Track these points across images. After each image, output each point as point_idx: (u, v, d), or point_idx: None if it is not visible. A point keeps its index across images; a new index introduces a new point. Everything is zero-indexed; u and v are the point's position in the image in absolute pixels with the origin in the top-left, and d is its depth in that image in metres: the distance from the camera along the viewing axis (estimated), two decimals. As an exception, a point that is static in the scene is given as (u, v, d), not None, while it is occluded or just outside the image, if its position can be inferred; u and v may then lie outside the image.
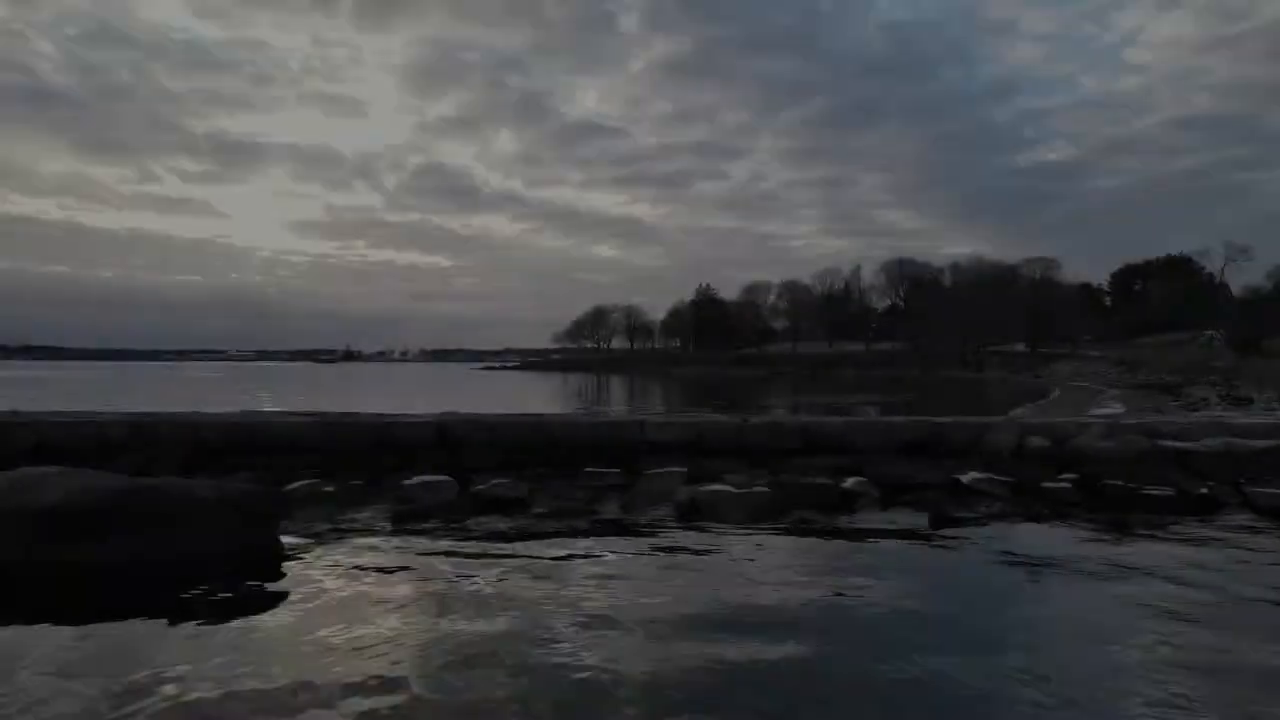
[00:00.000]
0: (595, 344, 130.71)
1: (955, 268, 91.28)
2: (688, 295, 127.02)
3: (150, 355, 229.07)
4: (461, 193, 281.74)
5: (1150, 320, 75.71)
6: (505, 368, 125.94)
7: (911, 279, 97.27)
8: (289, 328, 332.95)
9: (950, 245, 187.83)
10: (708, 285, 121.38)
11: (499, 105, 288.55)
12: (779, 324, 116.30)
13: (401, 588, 4.86)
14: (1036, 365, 61.15)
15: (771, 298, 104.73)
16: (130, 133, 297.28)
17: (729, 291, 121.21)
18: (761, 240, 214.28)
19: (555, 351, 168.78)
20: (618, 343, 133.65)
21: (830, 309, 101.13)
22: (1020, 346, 72.65)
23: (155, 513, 5.38)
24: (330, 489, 7.29)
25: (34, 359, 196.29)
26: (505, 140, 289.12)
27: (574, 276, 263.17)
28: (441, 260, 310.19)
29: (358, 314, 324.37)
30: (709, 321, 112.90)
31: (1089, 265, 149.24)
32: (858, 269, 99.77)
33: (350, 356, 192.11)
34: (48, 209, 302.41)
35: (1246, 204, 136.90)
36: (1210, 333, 54.84)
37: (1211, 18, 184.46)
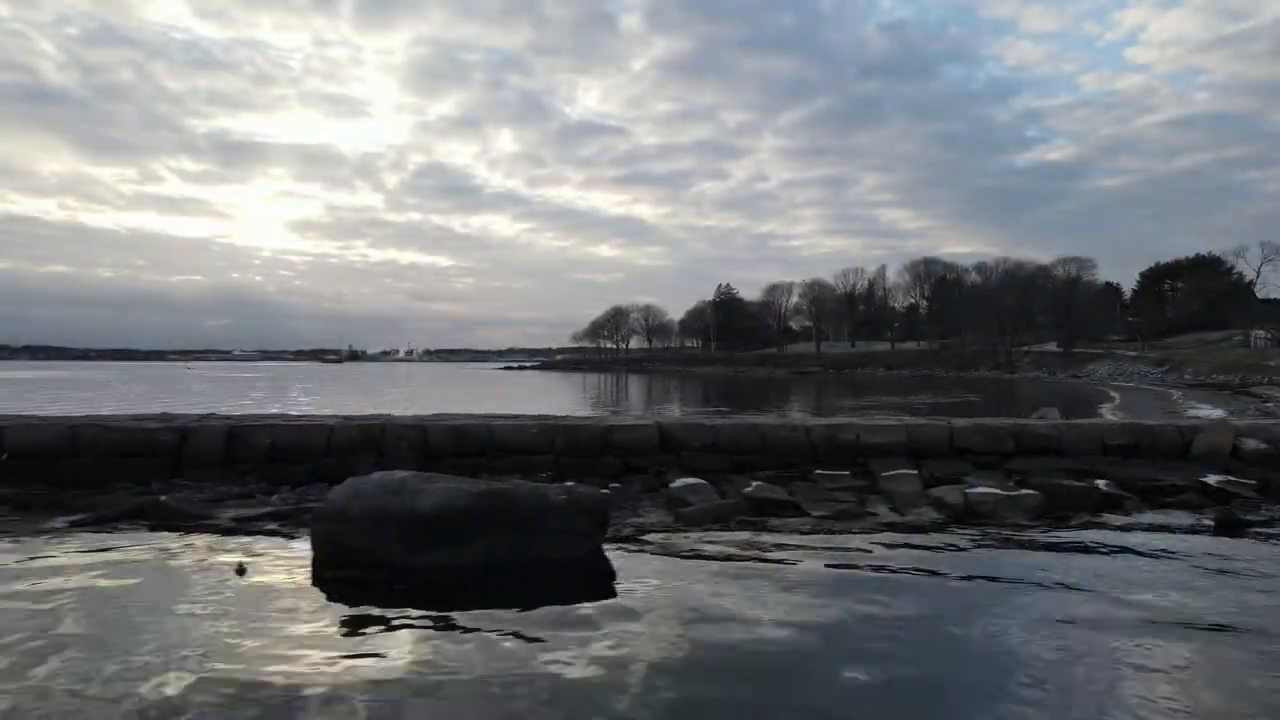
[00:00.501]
0: (614, 344, 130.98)
1: (981, 267, 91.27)
2: (691, 295, 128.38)
3: (155, 355, 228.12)
4: (462, 192, 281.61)
5: (1178, 320, 75.62)
6: (524, 368, 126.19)
7: (936, 279, 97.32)
8: (289, 328, 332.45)
9: (950, 245, 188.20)
10: (727, 285, 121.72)
11: (500, 105, 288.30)
12: (798, 324, 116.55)
13: (801, 585, 4.90)
14: (1072, 365, 61.06)
15: (794, 298, 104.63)
16: (131, 132, 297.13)
17: (746, 292, 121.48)
18: (762, 240, 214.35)
19: (560, 352, 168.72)
20: (633, 342, 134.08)
21: (853, 309, 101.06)
22: (1051, 346, 72.55)
23: (515, 516, 5.48)
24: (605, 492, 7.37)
25: (35, 359, 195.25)
26: (506, 140, 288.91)
27: (575, 276, 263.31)
28: (442, 260, 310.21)
29: (358, 314, 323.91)
30: (729, 321, 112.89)
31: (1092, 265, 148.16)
32: (883, 269, 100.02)
33: (354, 356, 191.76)
34: (49, 209, 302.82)
35: (1247, 203, 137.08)
36: (1258, 332, 54.67)
37: (1213, 16, 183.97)
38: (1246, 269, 75.57)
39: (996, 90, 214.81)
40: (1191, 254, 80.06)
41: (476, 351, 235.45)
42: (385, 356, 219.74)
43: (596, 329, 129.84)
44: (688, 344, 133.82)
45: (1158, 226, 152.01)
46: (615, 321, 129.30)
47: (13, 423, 8.65)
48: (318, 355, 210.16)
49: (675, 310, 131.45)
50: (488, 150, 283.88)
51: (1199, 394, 30.44)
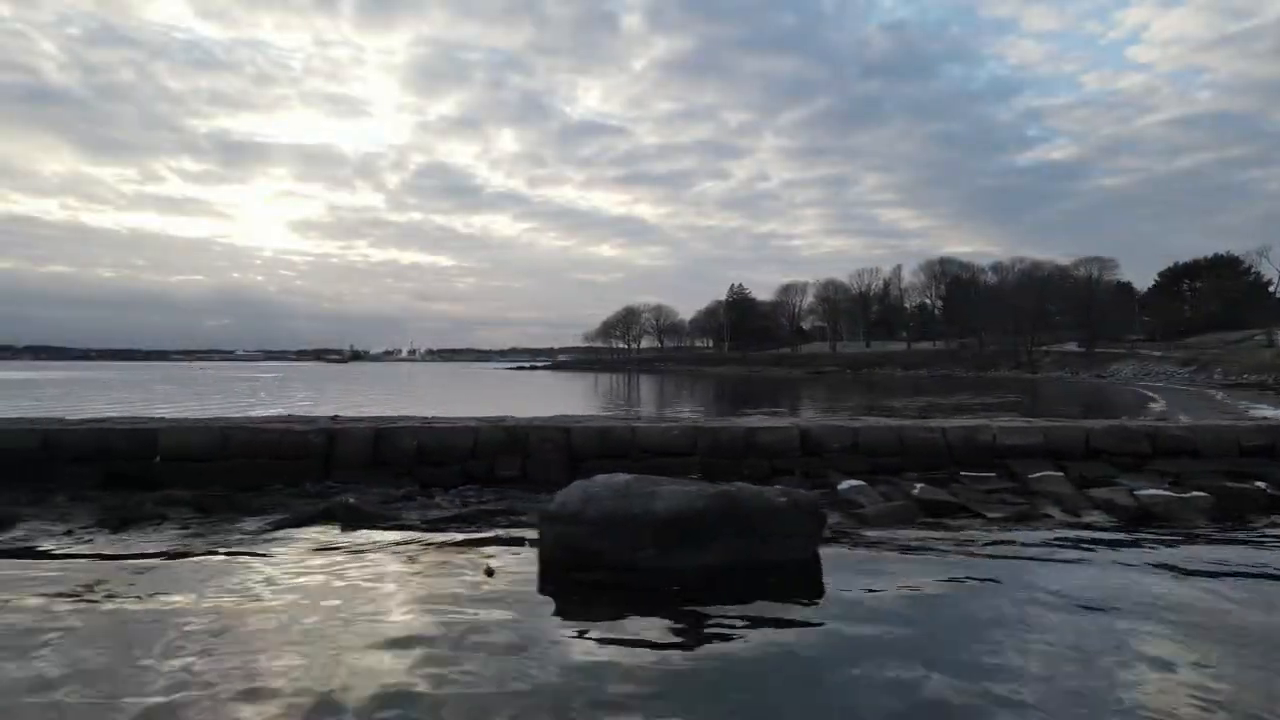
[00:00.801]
0: (625, 344, 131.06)
1: (997, 267, 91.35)
2: (692, 295, 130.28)
3: (157, 355, 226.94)
4: (463, 192, 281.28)
5: (1196, 320, 75.50)
6: (535, 368, 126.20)
7: (951, 279, 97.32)
8: (290, 328, 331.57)
9: (951, 245, 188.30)
10: (740, 286, 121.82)
11: (500, 105, 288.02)
12: (810, 324, 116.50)
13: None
14: (1094, 365, 61.01)
15: (809, 298, 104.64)
16: (132, 133, 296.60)
17: (753, 292, 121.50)
18: (763, 239, 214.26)
19: (564, 351, 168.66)
20: (643, 342, 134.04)
21: (867, 309, 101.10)
22: (1071, 346, 72.50)
23: (744, 519, 5.54)
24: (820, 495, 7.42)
25: (38, 359, 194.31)
26: (507, 140, 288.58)
27: (576, 276, 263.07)
28: (443, 260, 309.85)
29: (358, 314, 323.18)
30: (742, 321, 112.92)
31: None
32: (898, 269, 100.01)
33: (356, 356, 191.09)
34: (49, 209, 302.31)
35: (1248, 203, 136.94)
36: (1281, 333, 54.60)
37: (1215, 15, 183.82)
38: (1269, 269, 75.57)
39: (997, 90, 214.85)
40: (1209, 254, 79.98)
41: (478, 351, 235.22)
42: (388, 356, 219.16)
43: (608, 329, 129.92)
44: (697, 344, 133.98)
45: (1158, 226, 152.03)
46: (627, 321, 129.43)
47: (166, 426, 8.74)
48: (320, 355, 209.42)
49: (683, 310, 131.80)
50: (489, 150, 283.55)
51: (1241, 394, 30.42)
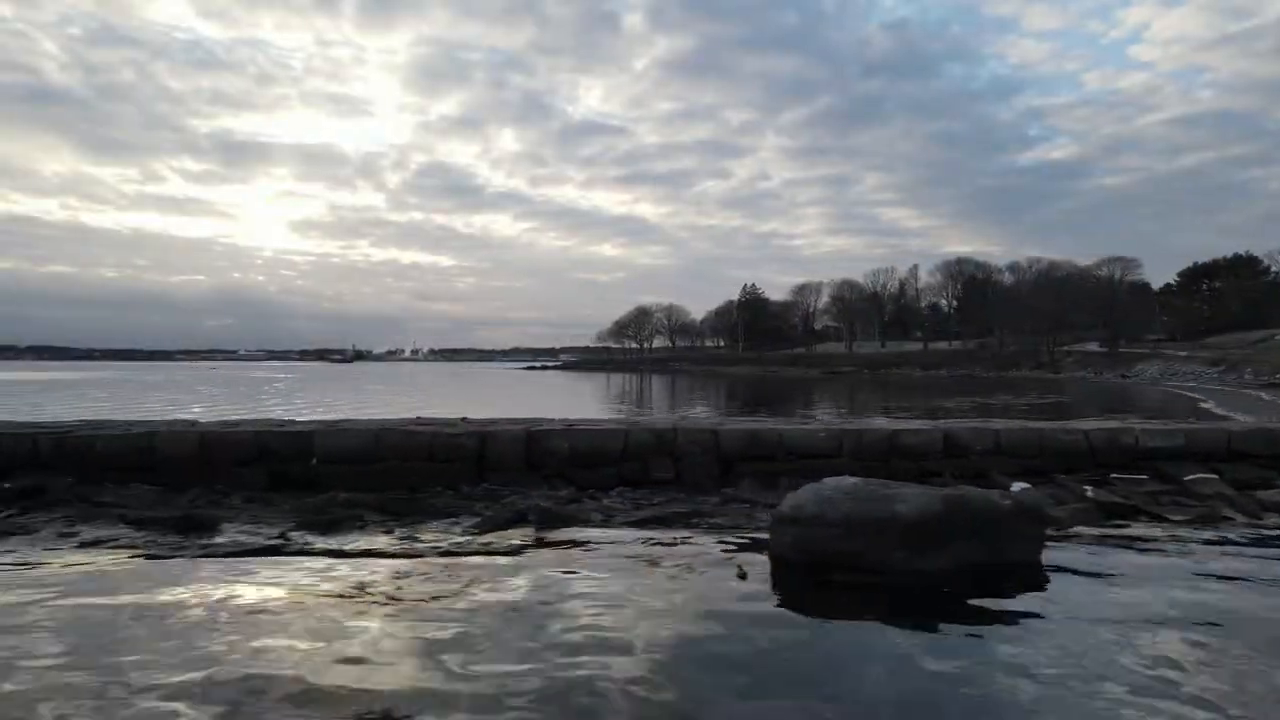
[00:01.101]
0: (637, 344, 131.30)
1: (1014, 267, 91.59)
2: (693, 294, 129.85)
3: (160, 355, 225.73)
4: (464, 192, 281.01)
5: (1216, 319, 75.48)
6: (546, 367, 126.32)
7: (967, 279, 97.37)
8: (290, 327, 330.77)
9: (951, 244, 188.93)
10: (753, 286, 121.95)
11: (502, 104, 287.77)
12: (822, 324, 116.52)
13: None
14: (1118, 364, 61.01)
15: (825, 298, 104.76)
16: (133, 133, 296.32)
17: (769, 292, 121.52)
18: (764, 239, 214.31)
19: (565, 350, 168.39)
20: (655, 342, 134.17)
21: (881, 309, 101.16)
22: (1092, 346, 72.58)
23: (976, 521, 5.58)
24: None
25: (41, 359, 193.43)
26: (508, 139, 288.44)
27: (577, 276, 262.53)
28: (444, 260, 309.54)
29: (359, 314, 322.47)
30: (755, 321, 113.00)
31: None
32: (914, 268, 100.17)
33: (359, 356, 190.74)
34: (50, 209, 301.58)
35: (1249, 202, 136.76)
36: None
37: (1216, 14, 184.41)
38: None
39: (999, 89, 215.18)
40: (1229, 254, 80.00)
41: (480, 351, 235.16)
42: (390, 356, 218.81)
43: (621, 328, 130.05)
44: (708, 344, 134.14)
45: (1160, 226, 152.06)
46: (639, 321, 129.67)
47: (322, 428, 8.80)
48: (322, 355, 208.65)
49: (693, 310, 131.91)
50: (489, 150, 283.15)
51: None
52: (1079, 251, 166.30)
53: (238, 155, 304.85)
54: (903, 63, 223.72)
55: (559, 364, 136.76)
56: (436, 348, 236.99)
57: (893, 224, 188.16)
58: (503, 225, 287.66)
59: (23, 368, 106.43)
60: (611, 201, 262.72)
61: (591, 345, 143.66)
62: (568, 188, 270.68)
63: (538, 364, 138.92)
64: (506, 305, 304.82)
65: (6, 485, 7.57)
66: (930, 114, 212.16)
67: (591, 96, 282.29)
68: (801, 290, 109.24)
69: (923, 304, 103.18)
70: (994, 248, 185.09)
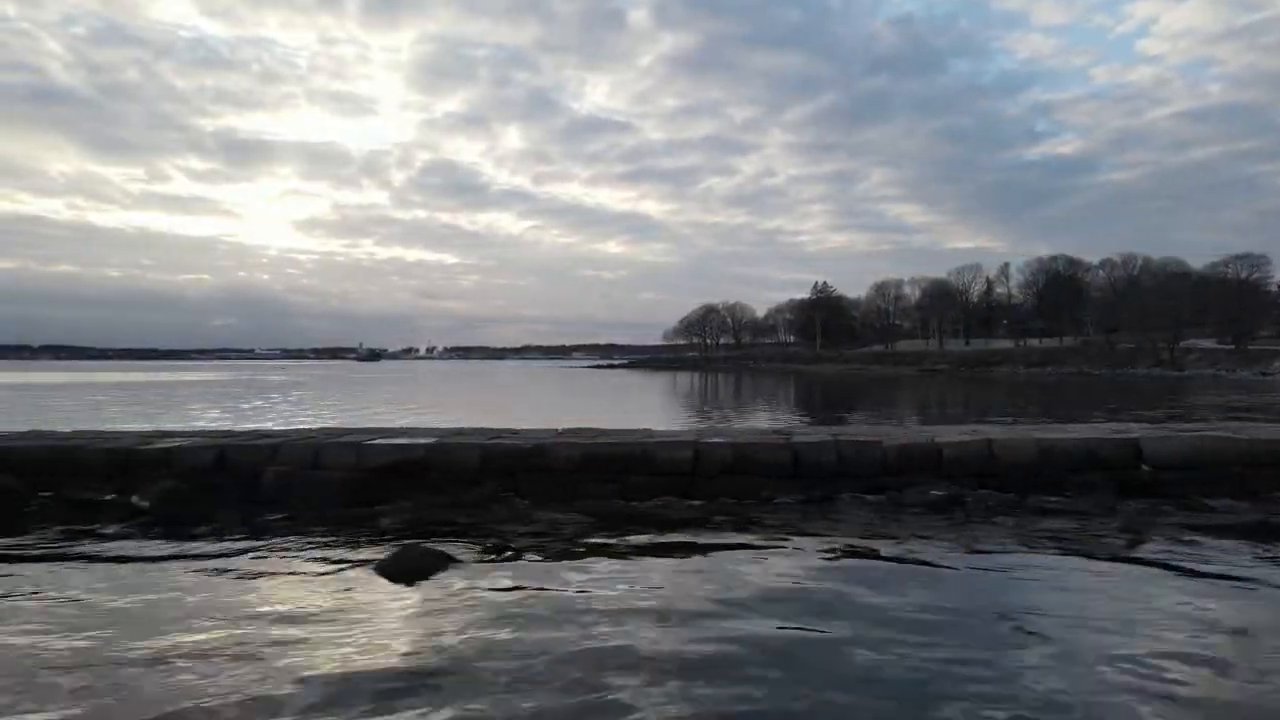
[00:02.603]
0: (705, 343, 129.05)
1: (1108, 264, 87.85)
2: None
3: (177, 355, 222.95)
4: (468, 190, 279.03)
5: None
6: (613, 366, 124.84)
7: (1054, 277, 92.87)
8: (297, 326, 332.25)
9: (957, 240, 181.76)
10: (824, 283, 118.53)
11: (506, 102, 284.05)
12: (896, 321, 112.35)
13: None
14: (1250, 362, 56.12)
15: (916, 293, 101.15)
16: (138, 132, 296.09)
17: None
18: (769, 236, 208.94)
19: (577, 349, 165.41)
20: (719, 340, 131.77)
21: (967, 306, 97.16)
22: (1208, 343, 67.82)
23: None
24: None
25: (58, 359, 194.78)
26: (513, 137, 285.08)
27: (581, 273, 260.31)
28: (448, 258, 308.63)
29: (365, 312, 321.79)
30: (830, 319, 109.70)
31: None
32: (1005, 266, 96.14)
33: (374, 355, 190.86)
34: (56, 208, 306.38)
35: (1257, 197, 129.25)
36: None
37: (1225, 8, 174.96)
38: None
39: (1006, 84, 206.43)
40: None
41: (493, 350, 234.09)
42: (406, 355, 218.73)
43: (689, 327, 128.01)
44: (764, 341, 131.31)
45: (1167, 220, 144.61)
46: (705, 320, 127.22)
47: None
48: (337, 354, 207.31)
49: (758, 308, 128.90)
50: (494, 147, 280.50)
51: None
52: (1087, 247, 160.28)
53: (242, 154, 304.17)
54: (909, 58, 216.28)
55: (625, 362, 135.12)
56: (450, 346, 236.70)
57: (898, 220, 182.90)
58: (507, 223, 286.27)
59: (52, 369, 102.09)
60: (616, 199, 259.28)
61: (687, 344, 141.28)
62: (572, 185, 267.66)
63: (604, 363, 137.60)
64: (511, 303, 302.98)
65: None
66: (937, 110, 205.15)
67: (596, 93, 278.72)
68: (882, 287, 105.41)
69: (1012, 302, 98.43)
70: (999, 244, 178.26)
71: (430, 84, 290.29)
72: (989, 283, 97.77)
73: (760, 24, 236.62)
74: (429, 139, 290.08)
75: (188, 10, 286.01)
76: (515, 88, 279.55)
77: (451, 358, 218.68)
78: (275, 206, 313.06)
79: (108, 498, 7.21)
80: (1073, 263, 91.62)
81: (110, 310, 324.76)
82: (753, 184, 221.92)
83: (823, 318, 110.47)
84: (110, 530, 6.42)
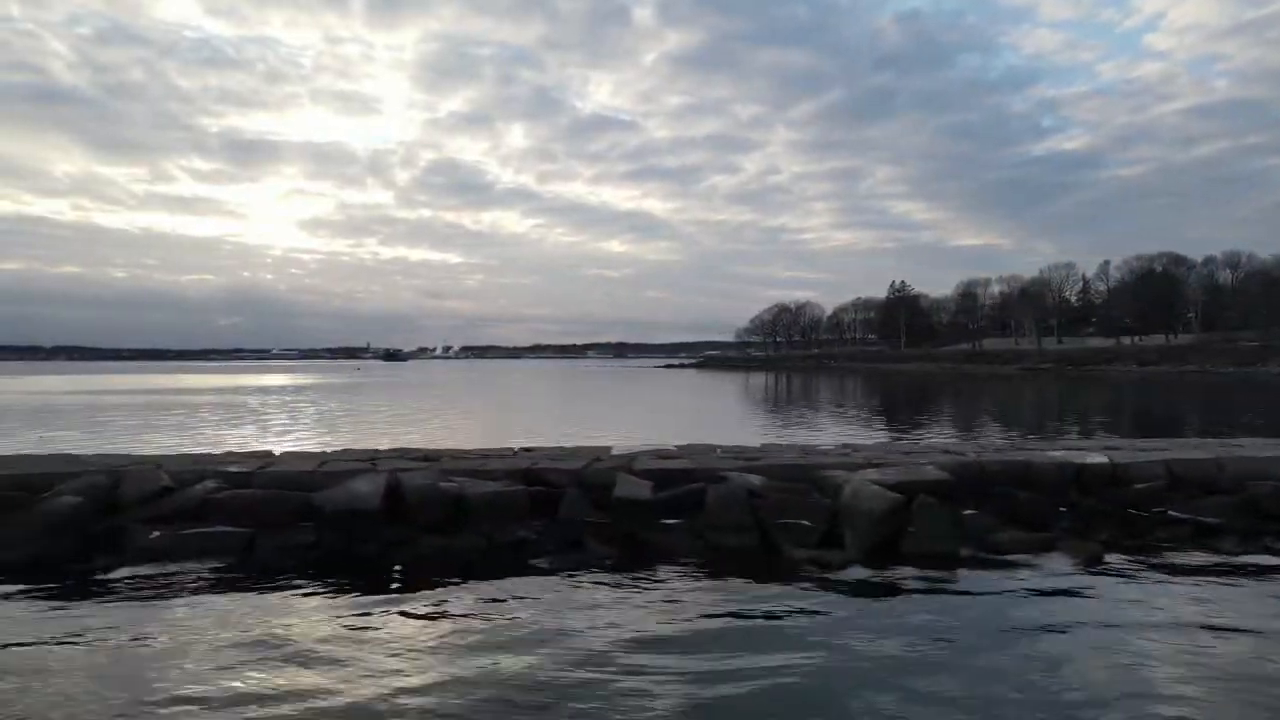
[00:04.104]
0: (774, 342, 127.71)
1: (1211, 262, 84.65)
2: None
3: (191, 355, 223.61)
4: (472, 189, 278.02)
5: None
6: (684, 366, 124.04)
7: (1146, 274, 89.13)
8: (302, 326, 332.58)
9: (962, 237, 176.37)
10: (902, 282, 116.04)
11: (511, 100, 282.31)
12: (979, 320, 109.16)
13: None
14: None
15: (1001, 290, 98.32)
16: (142, 132, 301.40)
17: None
18: (773, 233, 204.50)
19: (590, 348, 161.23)
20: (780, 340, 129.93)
21: (1060, 304, 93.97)
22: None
23: None
24: None
25: (71, 359, 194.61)
26: (517, 135, 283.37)
27: (585, 272, 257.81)
28: (452, 257, 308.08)
29: (369, 312, 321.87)
30: (912, 318, 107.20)
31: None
32: (1106, 264, 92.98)
33: (390, 356, 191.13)
34: (61, 209, 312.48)
35: (1263, 192, 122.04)
36: None
37: (1232, 2, 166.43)
38: None
39: (1012, 80, 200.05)
40: None
41: (505, 349, 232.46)
42: (421, 354, 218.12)
43: (763, 327, 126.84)
44: (827, 338, 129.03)
45: (1174, 217, 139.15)
46: (778, 319, 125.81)
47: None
48: (351, 354, 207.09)
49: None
50: (498, 146, 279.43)
51: None
52: (1091, 244, 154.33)
53: (247, 154, 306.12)
54: (916, 54, 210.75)
55: (695, 363, 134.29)
56: (464, 347, 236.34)
57: (902, 217, 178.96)
58: (511, 222, 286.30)
59: (70, 370, 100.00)
60: (620, 197, 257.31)
61: (728, 342, 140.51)
62: (576, 184, 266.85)
63: (675, 363, 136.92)
64: (515, 302, 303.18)
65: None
66: (942, 106, 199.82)
67: (601, 92, 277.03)
68: (970, 285, 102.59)
69: (1101, 300, 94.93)
70: (1005, 240, 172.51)
71: (434, 83, 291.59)
72: (1085, 281, 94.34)
73: (766, 21, 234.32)
74: (433, 138, 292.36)
75: (192, 9, 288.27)
76: (519, 86, 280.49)
77: (466, 357, 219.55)
78: (279, 206, 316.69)
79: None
80: (1178, 260, 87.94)
81: (116, 310, 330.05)
82: (757, 182, 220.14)
83: (907, 318, 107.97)
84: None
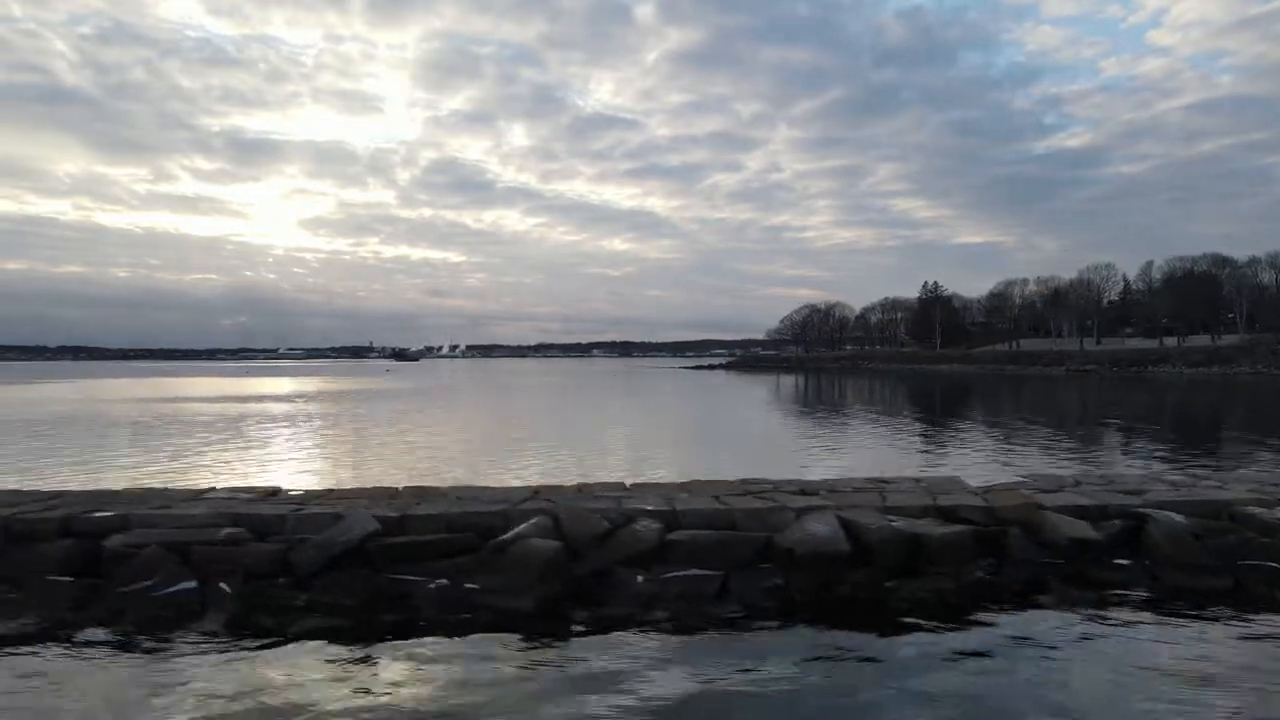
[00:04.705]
0: (805, 343, 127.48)
1: (1256, 261, 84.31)
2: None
3: (197, 354, 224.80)
4: (474, 188, 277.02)
5: None
6: (713, 367, 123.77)
7: (1184, 275, 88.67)
8: (306, 325, 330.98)
9: (964, 235, 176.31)
10: (935, 284, 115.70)
11: (512, 99, 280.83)
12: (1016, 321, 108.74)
13: None
14: None
15: (1038, 291, 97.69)
16: (145, 132, 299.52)
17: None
18: (774, 231, 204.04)
19: (595, 346, 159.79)
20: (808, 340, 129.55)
21: (1099, 305, 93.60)
22: None
23: None
24: None
25: (77, 359, 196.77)
26: (518, 134, 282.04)
27: (587, 270, 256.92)
28: (453, 256, 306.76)
29: (372, 310, 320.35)
30: (949, 320, 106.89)
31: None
32: (1149, 264, 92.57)
33: (398, 355, 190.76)
34: (64, 209, 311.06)
35: (1267, 188, 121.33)
36: None
37: None
38: None
39: (1015, 76, 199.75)
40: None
41: (510, 347, 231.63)
42: (428, 354, 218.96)
43: (793, 327, 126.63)
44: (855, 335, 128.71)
45: (1178, 212, 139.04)
46: (809, 320, 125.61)
47: None
48: (358, 353, 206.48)
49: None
50: (500, 145, 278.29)
51: None
52: (1099, 239, 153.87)
53: (249, 153, 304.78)
54: (918, 51, 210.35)
55: (723, 364, 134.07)
56: (471, 345, 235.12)
57: (904, 215, 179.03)
58: (513, 221, 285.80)
59: (81, 372, 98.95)
60: (622, 195, 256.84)
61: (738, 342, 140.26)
62: (578, 182, 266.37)
63: (705, 365, 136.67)
64: (518, 301, 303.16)
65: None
66: (945, 103, 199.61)
67: (602, 90, 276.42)
68: (1007, 286, 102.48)
69: (1142, 300, 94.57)
70: (1007, 238, 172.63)
71: (436, 81, 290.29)
72: (1126, 282, 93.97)
73: (768, 17, 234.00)
74: (435, 137, 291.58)
75: (194, 9, 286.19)
76: (521, 85, 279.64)
77: (473, 356, 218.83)
78: (281, 206, 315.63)
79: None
80: (1220, 260, 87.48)
81: (119, 310, 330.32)
82: (759, 179, 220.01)
83: (943, 319, 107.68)
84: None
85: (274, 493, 8.08)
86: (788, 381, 66.52)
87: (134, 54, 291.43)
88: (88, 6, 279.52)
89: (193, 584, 6.13)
